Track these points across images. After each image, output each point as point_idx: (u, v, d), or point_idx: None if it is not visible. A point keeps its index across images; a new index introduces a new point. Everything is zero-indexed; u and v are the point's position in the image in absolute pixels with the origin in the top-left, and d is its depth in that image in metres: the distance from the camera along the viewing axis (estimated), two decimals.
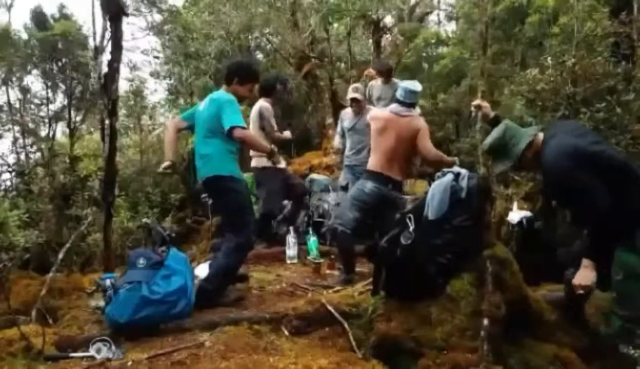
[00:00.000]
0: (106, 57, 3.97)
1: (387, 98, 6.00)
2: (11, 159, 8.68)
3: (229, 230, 3.52)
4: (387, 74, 5.94)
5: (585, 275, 2.34)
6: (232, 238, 3.40)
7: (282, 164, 4.93)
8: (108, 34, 4.04)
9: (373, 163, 3.86)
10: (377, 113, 4.07)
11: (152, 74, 10.05)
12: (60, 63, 8.53)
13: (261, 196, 5.05)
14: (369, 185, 3.79)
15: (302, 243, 4.89)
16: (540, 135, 2.56)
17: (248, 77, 3.55)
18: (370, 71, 6.13)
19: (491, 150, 2.69)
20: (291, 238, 4.72)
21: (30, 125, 8.98)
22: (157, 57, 10.15)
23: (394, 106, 3.92)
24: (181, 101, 9.33)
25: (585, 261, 2.35)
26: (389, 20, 10.83)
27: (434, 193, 2.80)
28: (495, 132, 2.67)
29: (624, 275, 2.30)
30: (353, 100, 4.85)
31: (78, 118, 8.82)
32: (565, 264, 2.83)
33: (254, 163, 4.96)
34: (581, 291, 2.35)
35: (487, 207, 2.88)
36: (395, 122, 3.82)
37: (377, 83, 6.00)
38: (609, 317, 2.54)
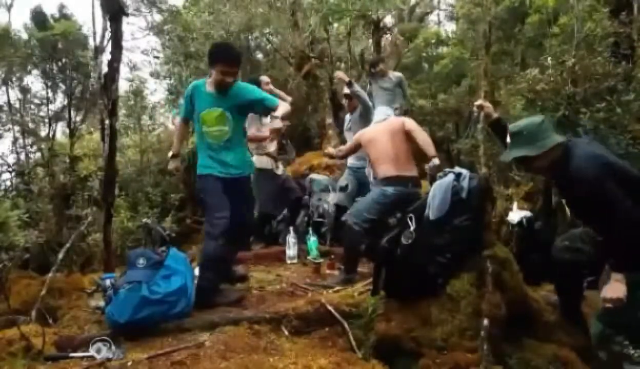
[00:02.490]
0: (106, 57, 3.97)
1: (388, 90, 6.01)
2: (11, 159, 8.67)
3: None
4: (373, 66, 6.03)
5: (615, 288, 2.30)
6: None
7: (280, 170, 4.97)
8: (108, 34, 4.04)
9: (386, 169, 3.86)
10: (363, 132, 4.21)
11: (152, 74, 10.06)
12: (60, 63, 8.52)
13: (257, 198, 5.02)
14: (390, 190, 3.79)
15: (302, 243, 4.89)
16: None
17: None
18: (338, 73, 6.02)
19: (519, 131, 2.52)
20: (291, 238, 4.72)
21: (30, 125, 8.96)
22: (157, 57, 10.16)
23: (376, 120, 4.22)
24: (181, 101, 9.31)
25: (616, 275, 2.31)
26: (389, 20, 10.84)
27: (435, 193, 2.80)
28: (531, 118, 2.59)
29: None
30: (346, 96, 5.04)
31: (78, 118, 8.81)
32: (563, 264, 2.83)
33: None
34: (610, 305, 2.29)
35: (488, 207, 2.87)
36: (381, 128, 4.06)
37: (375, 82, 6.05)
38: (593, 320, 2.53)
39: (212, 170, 3.44)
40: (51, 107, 8.87)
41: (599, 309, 2.43)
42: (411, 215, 2.83)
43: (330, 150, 4.62)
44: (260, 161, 4.88)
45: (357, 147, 4.24)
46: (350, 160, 5.04)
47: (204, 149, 3.48)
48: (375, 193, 3.89)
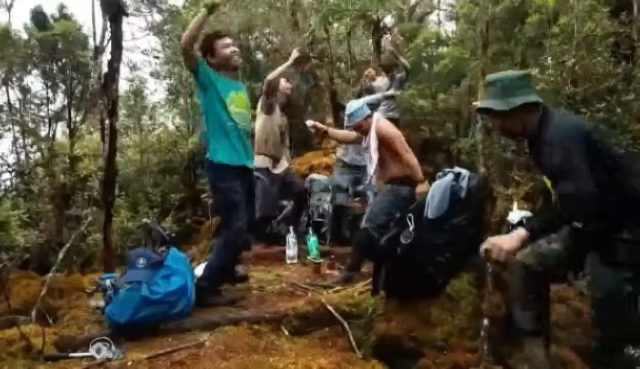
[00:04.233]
0: (106, 57, 3.97)
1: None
2: (11, 159, 8.68)
3: (222, 226, 3.48)
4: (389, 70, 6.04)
5: (508, 242, 2.10)
6: (222, 234, 3.39)
7: (278, 169, 4.88)
8: (108, 34, 4.04)
9: (399, 169, 3.87)
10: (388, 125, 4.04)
11: (152, 74, 10.07)
12: (60, 63, 8.51)
13: (257, 197, 4.95)
14: (404, 190, 3.80)
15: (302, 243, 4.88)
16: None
17: None
18: (371, 71, 6.15)
19: (493, 81, 2.25)
20: (291, 238, 4.72)
21: (30, 125, 8.96)
22: (157, 57, 10.16)
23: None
24: (181, 101, 9.33)
25: (521, 230, 2.11)
26: (389, 20, 10.84)
27: (434, 193, 2.81)
28: (513, 71, 2.37)
29: (603, 295, 2.18)
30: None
31: (78, 118, 8.80)
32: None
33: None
34: (489, 247, 2.11)
35: (487, 207, 2.87)
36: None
37: (383, 81, 6.04)
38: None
39: (240, 160, 3.31)
40: (51, 107, 8.88)
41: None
42: (410, 214, 2.83)
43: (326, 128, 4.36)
44: (257, 160, 4.83)
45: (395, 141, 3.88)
46: (351, 155, 4.95)
47: (225, 137, 3.27)
48: (391, 195, 3.84)
